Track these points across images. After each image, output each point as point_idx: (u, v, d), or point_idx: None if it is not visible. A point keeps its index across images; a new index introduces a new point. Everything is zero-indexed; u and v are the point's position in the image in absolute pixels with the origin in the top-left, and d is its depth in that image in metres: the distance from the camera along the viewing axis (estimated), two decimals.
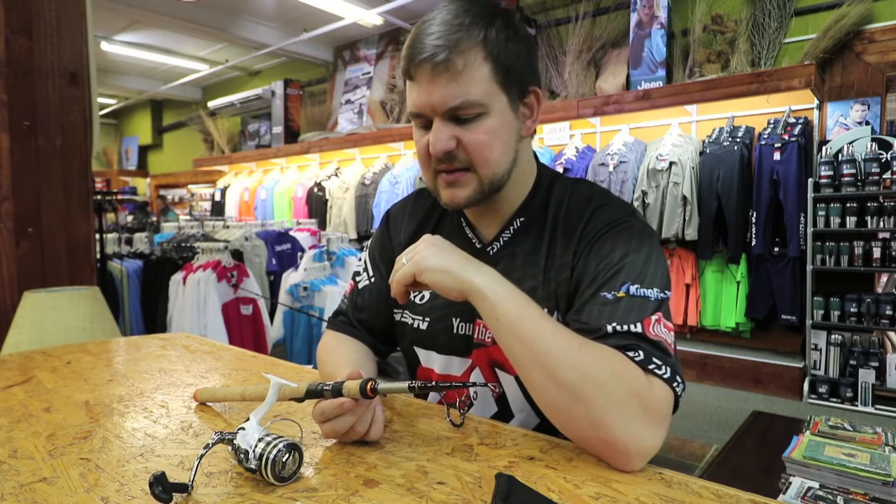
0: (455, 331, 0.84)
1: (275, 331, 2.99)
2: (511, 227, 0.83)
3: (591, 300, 0.70)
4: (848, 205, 3.04)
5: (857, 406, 3.00)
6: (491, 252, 0.84)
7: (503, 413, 0.83)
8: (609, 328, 0.66)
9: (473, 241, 0.86)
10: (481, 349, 0.81)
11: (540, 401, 0.65)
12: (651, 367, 0.63)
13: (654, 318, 0.67)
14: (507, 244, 0.83)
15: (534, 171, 0.85)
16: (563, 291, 0.77)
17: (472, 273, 0.68)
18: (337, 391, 0.63)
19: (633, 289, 0.68)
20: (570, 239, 0.77)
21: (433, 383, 0.62)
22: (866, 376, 3.00)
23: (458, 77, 0.71)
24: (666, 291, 0.71)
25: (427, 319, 0.87)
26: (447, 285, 0.68)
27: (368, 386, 0.61)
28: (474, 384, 0.66)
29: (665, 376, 0.63)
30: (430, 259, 0.69)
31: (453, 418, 0.72)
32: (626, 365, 0.62)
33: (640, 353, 0.63)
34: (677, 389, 0.64)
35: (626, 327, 0.65)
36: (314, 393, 0.64)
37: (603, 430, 0.59)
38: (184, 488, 0.53)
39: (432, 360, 0.88)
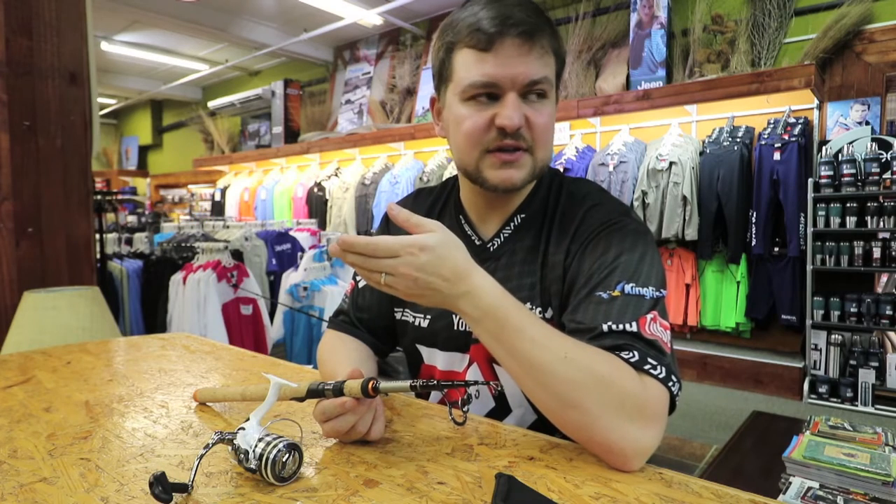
0: (456, 327, 0.84)
1: (275, 331, 2.99)
2: (511, 224, 0.84)
3: (587, 300, 0.70)
4: (848, 205, 3.03)
5: (857, 406, 3.00)
6: (491, 248, 0.84)
7: (501, 409, 0.83)
8: (604, 327, 0.66)
9: (473, 237, 0.86)
10: (479, 345, 0.82)
11: (537, 405, 0.65)
12: (646, 367, 0.63)
13: (649, 316, 0.67)
14: (508, 241, 0.83)
15: None
16: (556, 290, 0.77)
17: (457, 292, 0.63)
18: (338, 390, 0.63)
19: (627, 288, 0.68)
20: (563, 238, 0.78)
21: (435, 382, 0.62)
22: (866, 376, 2.99)
23: (543, 56, 0.74)
24: (661, 290, 0.71)
25: (428, 317, 0.87)
26: (432, 303, 0.65)
27: (370, 385, 0.61)
28: (476, 382, 0.66)
29: (660, 376, 0.63)
30: (416, 279, 0.62)
31: (455, 417, 0.72)
32: (617, 367, 0.62)
33: (635, 353, 0.63)
34: (673, 389, 0.64)
35: (621, 326, 0.65)
36: (315, 392, 0.64)
37: (598, 433, 0.59)
38: (184, 488, 0.53)
39: (435, 358, 0.88)
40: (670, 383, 0.63)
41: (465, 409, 0.71)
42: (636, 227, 0.75)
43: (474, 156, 0.77)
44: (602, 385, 0.60)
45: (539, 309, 0.78)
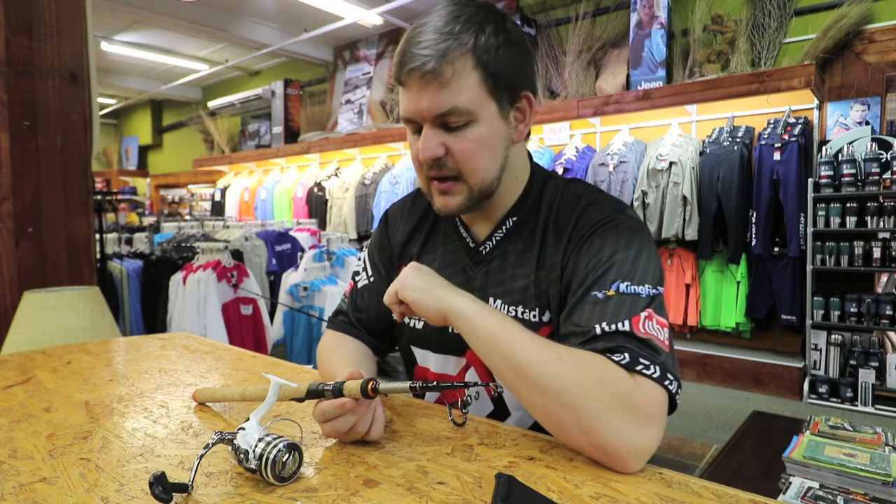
0: (450, 330, 0.84)
1: (275, 331, 2.99)
2: (503, 227, 0.83)
3: (583, 300, 0.70)
4: (848, 205, 3.03)
5: (857, 406, 3.00)
6: (484, 251, 0.84)
7: (500, 411, 0.83)
8: (598, 329, 0.66)
9: (467, 240, 0.87)
10: None
11: (532, 412, 0.65)
12: (638, 367, 0.62)
13: (643, 314, 0.66)
14: (500, 243, 0.83)
15: (527, 172, 0.85)
16: (554, 291, 0.77)
17: (451, 294, 0.70)
18: (338, 391, 0.63)
19: (623, 286, 0.68)
20: (560, 238, 0.78)
21: (434, 383, 0.62)
22: (866, 376, 2.99)
23: (446, 86, 0.71)
24: (658, 287, 0.70)
25: (423, 319, 0.87)
26: (426, 304, 0.70)
27: (369, 386, 0.61)
28: (475, 384, 0.66)
29: (654, 376, 0.62)
30: (412, 279, 0.73)
31: (455, 418, 0.72)
32: (608, 369, 0.62)
33: (626, 354, 0.63)
34: (670, 388, 0.63)
35: (614, 326, 0.65)
36: (315, 393, 0.64)
37: (594, 435, 0.59)
38: (184, 488, 0.53)
39: (428, 360, 0.88)
40: (666, 382, 0.63)
41: (464, 410, 0.71)
42: (632, 224, 0.75)
43: (423, 181, 0.80)
44: (596, 385, 0.60)
45: (534, 313, 0.78)
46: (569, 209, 0.79)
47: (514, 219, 0.83)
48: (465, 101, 0.72)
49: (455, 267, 0.86)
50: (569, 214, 0.78)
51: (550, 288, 0.77)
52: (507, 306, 0.80)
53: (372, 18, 5.22)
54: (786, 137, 3.22)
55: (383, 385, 0.62)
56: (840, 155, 3.08)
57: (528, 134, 0.84)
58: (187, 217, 6.74)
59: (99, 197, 3.18)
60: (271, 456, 0.54)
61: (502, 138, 0.77)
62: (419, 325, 0.88)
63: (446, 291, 0.71)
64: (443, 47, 0.70)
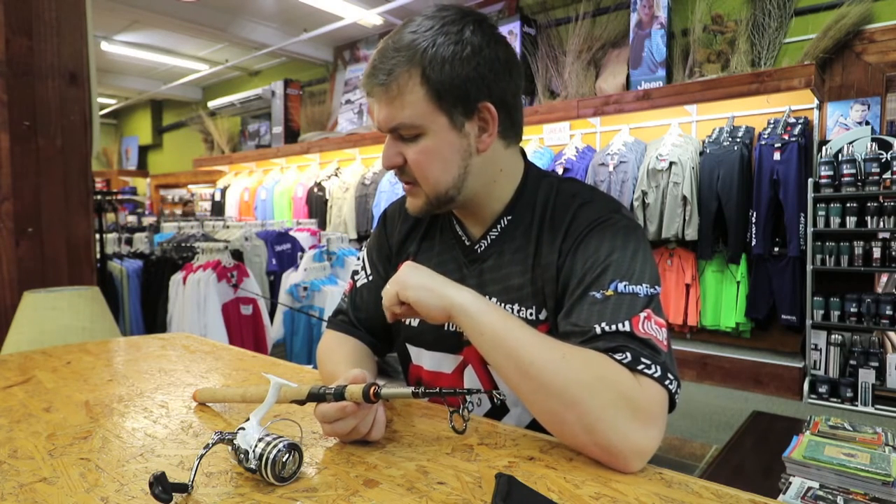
0: (445, 328, 0.84)
1: (275, 331, 2.99)
2: (498, 226, 0.83)
3: (581, 300, 0.70)
4: (848, 205, 3.03)
5: (857, 406, 3.00)
6: (479, 250, 0.84)
7: (498, 409, 0.83)
8: (598, 329, 0.66)
9: (463, 238, 0.87)
10: (472, 346, 0.82)
11: (534, 411, 0.65)
12: (640, 367, 0.63)
13: (643, 315, 0.66)
14: (495, 242, 0.83)
15: (517, 174, 0.84)
16: (550, 290, 0.77)
17: (453, 291, 0.70)
18: (339, 395, 0.62)
19: (621, 286, 0.68)
20: (555, 237, 0.78)
21: (437, 390, 0.62)
22: (866, 376, 2.99)
23: (393, 101, 0.74)
24: (655, 287, 0.70)
25: (426, 318, 0.87)
26: (429, 303, 0.70)
27: (372, 391, 0.61)
28: (479, 391, 0.66)
29: (655, 375, 0.63)
30: (412, 278, 0.73)
31: (456, 424, 0.71)
32: (612, 368, 0.62)
33: (628, 354, 0.63)
34: (670, 387, 0.63)
35: (614, 327, 0.65)
36: (316, 396, 0.64)
37: (596, 434, 0.59)
38: (184, 488, 0.53)
39: (422, 357, 0.88)
40: (667, 381, 0.63)
41: (465, 418, 0.70)
42: (627, 224, 0.75)
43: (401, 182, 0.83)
44: (599, 384, 0.60)
45: (531, 311, 0.78)
46: (563, 208, 0.79)
47: (509, 217, 0.83)
48: (409, 116, 0.74)
49: (451, 265, 0.86)
50: (564, 213, 0.78)
51: (546, 286, 0.77)
52: (503, 304, 0.80)
53: (372, 18, 5.22)
54: (786, 137, 3.22)
55: (385, 391, 0.62)
56: (840, 155, 3.08)
57: (520, 136, 0.83)
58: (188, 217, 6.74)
59: (99, 197, 3.18)
60: (271, 456, 0.54)
61: (456, 150, 0.76)
62: (414, 323, 0.88)
63: (447, 288, 0.71)
64: (392, 64, 0.73)
